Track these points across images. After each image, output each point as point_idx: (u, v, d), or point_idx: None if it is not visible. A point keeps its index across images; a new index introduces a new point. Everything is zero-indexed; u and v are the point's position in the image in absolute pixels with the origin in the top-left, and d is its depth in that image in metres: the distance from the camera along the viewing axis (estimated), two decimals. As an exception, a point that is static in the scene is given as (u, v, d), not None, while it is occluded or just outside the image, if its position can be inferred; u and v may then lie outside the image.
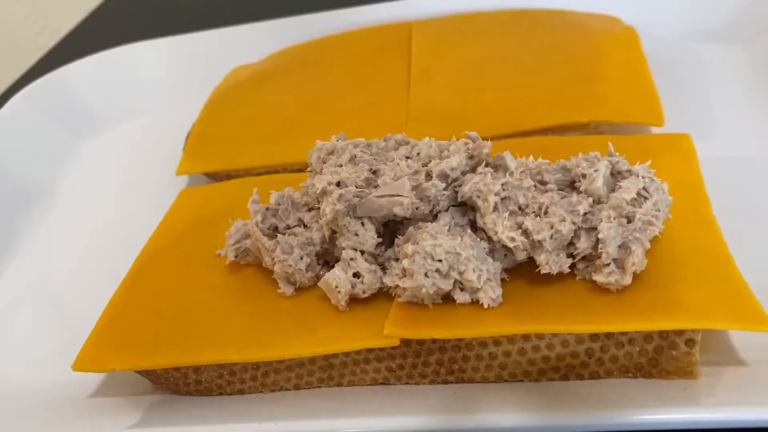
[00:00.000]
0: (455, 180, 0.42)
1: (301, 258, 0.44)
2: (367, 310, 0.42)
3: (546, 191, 0.42)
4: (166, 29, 0.85)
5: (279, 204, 0.47)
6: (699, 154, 0.48)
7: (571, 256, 0.40)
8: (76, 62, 0.82)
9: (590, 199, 0.41)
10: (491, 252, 0.41)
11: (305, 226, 0.46)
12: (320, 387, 0.44)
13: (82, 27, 1.08)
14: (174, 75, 0.80)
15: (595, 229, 0.39)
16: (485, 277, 0.39)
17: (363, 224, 0.43)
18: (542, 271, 0.39)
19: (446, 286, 0.39)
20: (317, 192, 0.43)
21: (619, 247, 0.38)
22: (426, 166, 0.43)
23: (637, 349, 0.39)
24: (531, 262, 0.40)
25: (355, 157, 0.45)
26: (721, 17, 0.68)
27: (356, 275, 0.42)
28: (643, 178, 0.41)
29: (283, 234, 0.45)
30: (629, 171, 0.42)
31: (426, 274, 0.39)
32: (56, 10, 1.29)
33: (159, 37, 0.83)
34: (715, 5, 0.68)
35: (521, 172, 0.41)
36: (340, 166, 0.44)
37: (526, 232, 0.40)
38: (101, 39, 0.90)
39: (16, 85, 0.92)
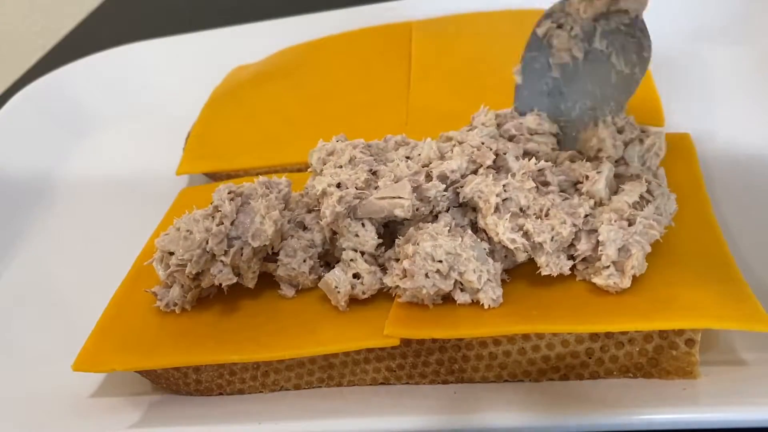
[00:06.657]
0: (455, 182, 0.42)
1: (304, 261, 0.44)
2: (367, 310, 0.42)
3: (548, 192, 0.42)
4: (166, 29, 0.85)
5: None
6: (699, 154, 0.48)
7: (571, 257, 0.40)
8: (76, 62, 0.82)
9: (591, 201, 0.41)
10: (491, 253, 0.41)
11: (305, 228, 0.46)
12: (320, 387, 0.44)
13: (82, 27, 1.08)
14: (174, 75, 0.80)
15: (595, 231, 0.39)
16: (485, 277, 0.39)
17: (363, 225, 0.42)
18: (542, 273, 0.39)
19: (446, 286, 0.39)
20: (317, 194, 0.43)
21: (619, 250, 0.38)
22: (426, 167, 0.43)
23: (637, 349, 0.39)
24: (531, 262, 0.40)
25: (355, 158, 0.45)
26: (721, 17, 0.68)
27: (356, 276, 0.42)
28: (647, 181, 0.40)
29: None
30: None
31: (426, 275, 0.39)
32: (56, 10, 1.28)
33: (159, 37, 0.83)
34: (715, 5, 0.68)
35: (523, 173, 0.41)
36: (340, 167, 0.44)
37: (526, 234, 0.39)
38: (101, 39, 0.90)
39: (16, 85, 0.92)
